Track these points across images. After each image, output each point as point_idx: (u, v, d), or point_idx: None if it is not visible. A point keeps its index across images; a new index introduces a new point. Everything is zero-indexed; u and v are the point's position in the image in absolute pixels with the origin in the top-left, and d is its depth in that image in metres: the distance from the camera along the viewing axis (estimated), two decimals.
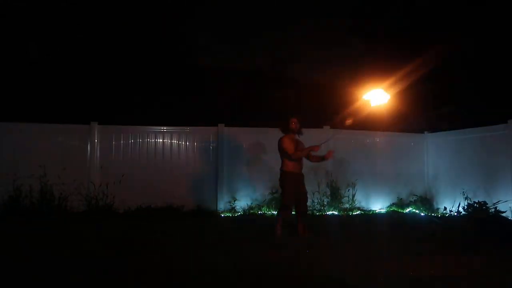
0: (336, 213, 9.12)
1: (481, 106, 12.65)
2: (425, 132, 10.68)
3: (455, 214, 8.22)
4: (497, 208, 7.61)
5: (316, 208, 9.15)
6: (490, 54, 12.16)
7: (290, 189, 6.28)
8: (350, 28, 16.68)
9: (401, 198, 9.93)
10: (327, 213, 9.11)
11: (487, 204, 7.64)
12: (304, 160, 6.51)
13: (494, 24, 12.02)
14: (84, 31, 14.90)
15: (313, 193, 8.96)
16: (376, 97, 6.31)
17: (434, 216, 8.97)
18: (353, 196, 9.50)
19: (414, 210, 9.72)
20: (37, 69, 14.62)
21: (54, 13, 14.54)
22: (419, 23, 14.15)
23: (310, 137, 6.88)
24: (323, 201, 9.22)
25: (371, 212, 9.50)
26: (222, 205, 9.07)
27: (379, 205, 9.82)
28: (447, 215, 8.75)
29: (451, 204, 8.73)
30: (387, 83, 6.85)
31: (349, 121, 7.07)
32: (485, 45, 12.25)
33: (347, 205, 9.41)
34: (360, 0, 15.11)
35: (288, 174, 6.31)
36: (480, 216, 7.42)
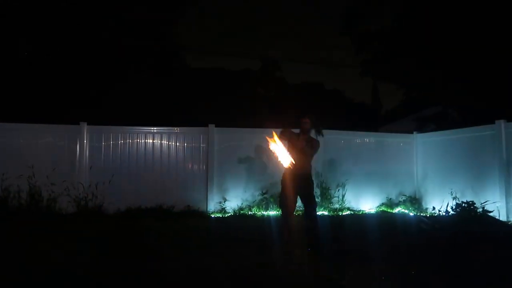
0: (326, 213, 9.15)
1: (469, 107, 12.79)
2: (414, 132, 10.77)
3: (444, 214, 8.29)
4: (485, 208, 7.69)
5: None
6: (479, 56, 12.30)
7: (281, 190, 6.14)
8: (342, 29, 16.79)
9: (391, 198, 9.99)
10: (317, 213, 9.12)
11: (475, 204, 7.71)
12: None
13: (484, 27, 12.15)
14: (74, 32, 14.80)
15: None
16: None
17: (423, 216, 9.04)
18: (343, 196, 9.55)
19: (403, 210, 9.78)
20: (27, 69, 14.51)
21: (45, 14, 14.43)
22: (408, 25, 14.25)
23: None
24: None
25: (360, 212, 9.55)
26: (212, 205, 9.06)
27: (368, 205, 9.87)
28: (435, 215, 8.82)
29: (440, 204, 8.80)
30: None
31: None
32: (474, 47, 12.38)
33: (337, 205, 9.44)
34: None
35: (283, 174, 6.16)
36: (468, 215, 7.49)
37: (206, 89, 20.82)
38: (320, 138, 6.07)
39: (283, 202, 6.08)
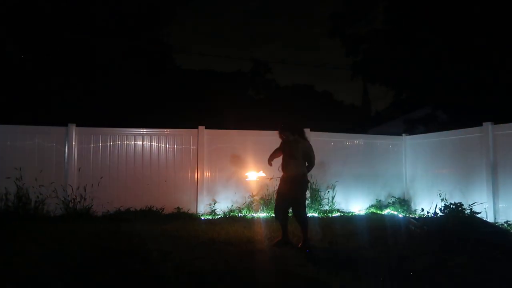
0: (316, 215, 9.17)
1: (458, 109, 12.89)
2: (403, 134, 10.84)
3: (432, 215, 8.32)
4: (473, 209, 7.74)
5: None
6: (467, 59, 12.41)
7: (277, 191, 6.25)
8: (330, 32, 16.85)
9: (380, 200, 10.05)
10: (307, 214, 9.13)
11: (463, 205, 7.75)
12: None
13: (471, 29, 12.26)
14: (62, 33, 14.70)
15: None
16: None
17: (411, 217, 9.08)
18: (333, 198, 9.58)
19: (392, 211, 9.83)
20: (15, 71, 14.38)
21: (34, 13, 14.31)
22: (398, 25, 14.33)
23: None
24: None
25: (350, 214, 9.58)
26: (202, 207, 9.04)
27: (358, 207, 9.91)
28: (424, 216, 8.85)
29: (429, 206, 8.84)
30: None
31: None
32: (462, 50, 12.49)
33: (326, 207, 9.48)
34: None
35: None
36: (456, 217, 7.53)
37: (197, 91, 20.81)
38: (309, 137, 6.14)
39: (277, 203, 6.18)
